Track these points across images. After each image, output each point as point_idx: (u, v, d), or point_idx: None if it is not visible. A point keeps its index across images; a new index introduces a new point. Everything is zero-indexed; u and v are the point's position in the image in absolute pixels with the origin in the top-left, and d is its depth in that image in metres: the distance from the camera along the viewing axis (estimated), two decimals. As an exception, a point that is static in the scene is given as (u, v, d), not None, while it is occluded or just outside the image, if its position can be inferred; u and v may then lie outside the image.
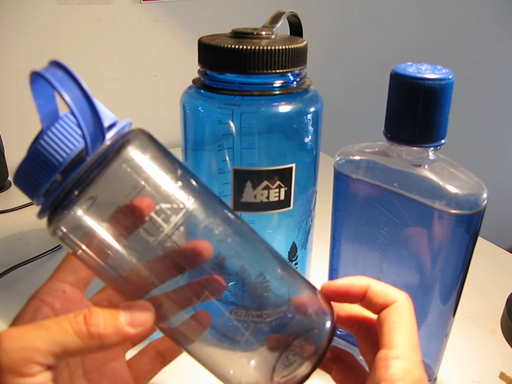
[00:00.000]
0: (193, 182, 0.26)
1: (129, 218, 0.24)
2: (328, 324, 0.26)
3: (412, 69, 0.31)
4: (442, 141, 0.33)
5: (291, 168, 0.37)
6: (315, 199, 0.42)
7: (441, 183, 0.32)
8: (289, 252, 0.41)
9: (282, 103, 0.36)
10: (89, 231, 0.24)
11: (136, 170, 0.24)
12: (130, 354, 0.31)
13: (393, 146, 0.34)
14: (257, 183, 0.36)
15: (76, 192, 0.23)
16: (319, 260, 0.48)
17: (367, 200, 0.36)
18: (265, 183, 0.36)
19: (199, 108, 0.37)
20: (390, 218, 0.35)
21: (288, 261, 0.28)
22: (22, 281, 0.50)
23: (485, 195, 0.32)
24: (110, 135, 0.24)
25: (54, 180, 0.23)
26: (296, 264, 0.41)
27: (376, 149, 0.36)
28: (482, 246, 0.59)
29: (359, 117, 1.08)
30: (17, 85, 0.75)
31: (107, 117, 0.24)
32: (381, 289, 0.26)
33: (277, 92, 0.35)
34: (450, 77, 0.31)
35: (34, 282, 0.50)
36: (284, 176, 0.37)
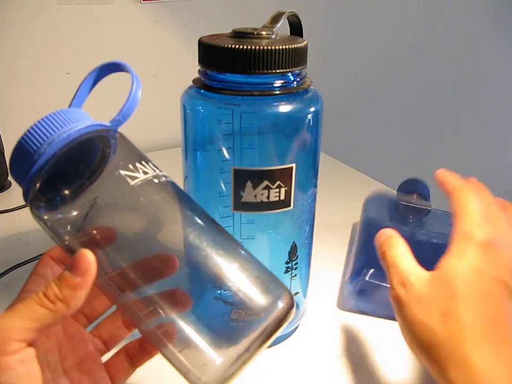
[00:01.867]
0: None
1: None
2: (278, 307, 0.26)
3: None
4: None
5: (291, 168, 0.37)
6: (315, 199, 0.42)
7: None
8: (289, 252, 0.41)
9: (283, 103, 0.36)
10: (58, 217, 0.27)
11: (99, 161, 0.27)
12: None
13: None
14: (257, 183, 0.36)
15: (51, 179, 0.26)
16: (319, 260, 0.49)
17: None
18: (266, 183, 0.36)
19: (199, 108, 0.37)
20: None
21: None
22: (22, 281, 0.49)
23: None
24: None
25: (30, 166, 0.26)
26: (296, 264, 0.41)
27: None
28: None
29: (359, 117, 1.08)
30: (17, 85, 0.75)
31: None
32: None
33: (277, 92, 0.35)
34: None
35: (34, 282, 0.50)
36: (284, 176, 0.37)
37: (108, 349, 0.32)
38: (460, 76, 1.18)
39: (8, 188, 0.70)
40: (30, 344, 0.25)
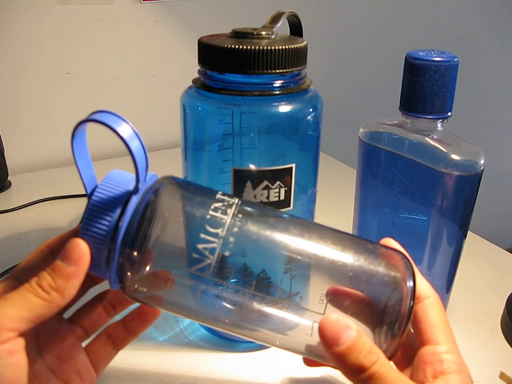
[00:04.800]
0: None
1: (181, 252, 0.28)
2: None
3: (423, 53, 0.37)
4: (449, 114, 0.38)
5: (291, 168, 0.37)
6: (315, 199, 0.42)
7: (445, 151, 0.38)
8: (289, 252, 0.41)
9: (282, 103, 0.36)
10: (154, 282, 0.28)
11: (170, 212, 0.28)
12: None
13: (408, 119, 0.39)
14: (257, 183, 0.36)
15: (134, 252, 0.26)
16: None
17: (384, 165, 0.42)
18: (265, 183, 0.36)
19: (199, 108, 0.37)
20: (401, 180, 0.40)
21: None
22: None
23: (482, 161, 0.38)
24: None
25: (107, 250, 0.26)
26: (296, 264, 0.41)
27: (395, 122, 0.41)
28: (482, 245, 0.59)
29: (359, 117, 1.08)
30: (17, 85, 0.75)
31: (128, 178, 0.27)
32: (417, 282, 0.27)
33: (277, 92, 0.35)
34: (456, 59, 0.37)
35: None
36: (284, 176, 0.37)
37: (87, 335, 0.32)
38: (460, 75, 1.18)
39: (8, 188, 0.70)
40: (21, 334, 0.25)
